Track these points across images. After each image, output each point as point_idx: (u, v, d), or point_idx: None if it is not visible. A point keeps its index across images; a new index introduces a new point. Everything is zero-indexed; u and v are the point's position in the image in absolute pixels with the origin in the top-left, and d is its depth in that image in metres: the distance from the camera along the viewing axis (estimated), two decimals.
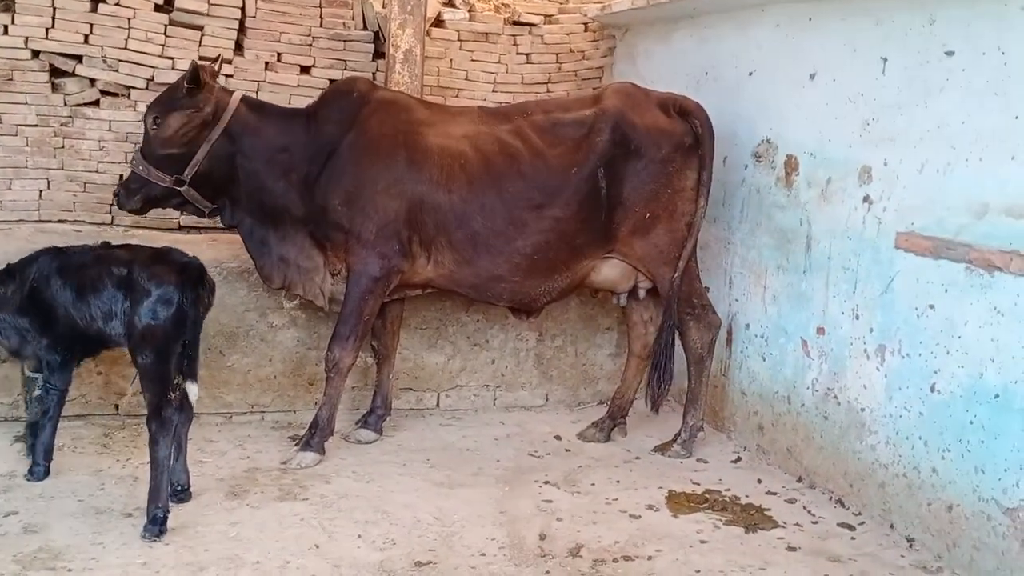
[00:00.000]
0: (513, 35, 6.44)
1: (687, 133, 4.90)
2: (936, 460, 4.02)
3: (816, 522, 4.37)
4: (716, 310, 5.19)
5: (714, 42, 5.62)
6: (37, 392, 4.24)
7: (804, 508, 4.52)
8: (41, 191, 5.55)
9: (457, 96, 6.34)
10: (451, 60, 6.32)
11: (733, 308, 5.40)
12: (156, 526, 3.79)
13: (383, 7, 6.02)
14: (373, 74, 5.96)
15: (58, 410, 4.26)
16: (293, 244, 4.86)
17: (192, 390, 3.96)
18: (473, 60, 6.39)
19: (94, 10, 5.46)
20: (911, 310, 4.16)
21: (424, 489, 4.48)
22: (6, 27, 5.31)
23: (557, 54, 6.59)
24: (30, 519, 3.87)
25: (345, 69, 5.99)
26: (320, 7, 5.92)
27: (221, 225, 5.18)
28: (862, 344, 4.45)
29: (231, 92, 4.81)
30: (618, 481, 4.74)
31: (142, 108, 5.55)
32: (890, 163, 4.30)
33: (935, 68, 4.06)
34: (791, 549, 4.07)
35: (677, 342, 5.07)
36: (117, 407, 5.03)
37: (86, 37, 5.47)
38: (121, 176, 5.35)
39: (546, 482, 4.67)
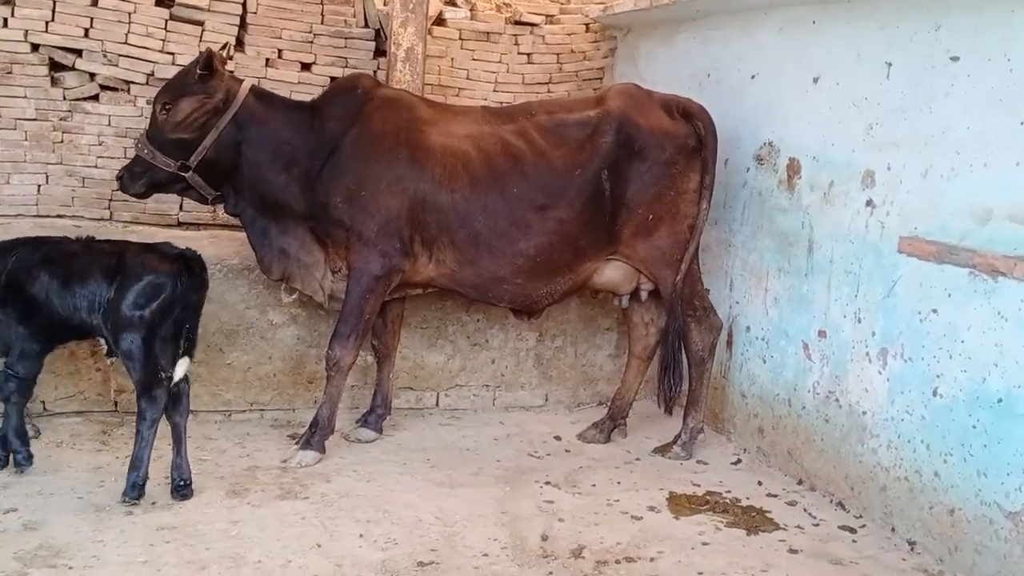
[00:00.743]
0: (514, 35, 6.43)
1: (691, 135, 4.90)
2: (938, 464, 4.03)
3: (817, 525, 4.38)
4: (717, 312, 5.20)
5: (717, 44, 5.62)
6: None
7: (805, 511, 4.53)
8: (39, 186, 5.51)
9: (458, 95, 6.33)
10: (452, 59, 6.31)
11: (734, 310, 5.41)
12: (135, 491, 3.99)
13: (385, 5, 5.99)
14: (374, 72, 5.94)
15: (21, 397, 4.23)
16: (294, 238, 4.84)
17: (183, 365, 4.09)
18: (474, 59, 6.37)
19: (94, 4, 5.42)
20: (914, 314, 4.17)
21: (425, 489, 4.47)
22: (6, 20, 5.27)
23: (558, 54, 6.59)
24: (30, 516, 3.85)
25: (346, 67, 5.97)
26: (321, 4, 5.90)
27: (221, 217, 5.18)
28: (864, 348, 4.46)
29: (241, 80, 4.79)
30: (619, 482, 4.74)
31: (142, 103, 5.56)
32: (894, 167, 4.31)
33: (940, 73, 4.07)
34: (792, 552, 4.08)
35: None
36: (116, 404, 5.00)
37: (86, 31, 5.44)
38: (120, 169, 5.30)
39: (547, 482, 4.67)
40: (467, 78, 6.39)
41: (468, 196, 4.71)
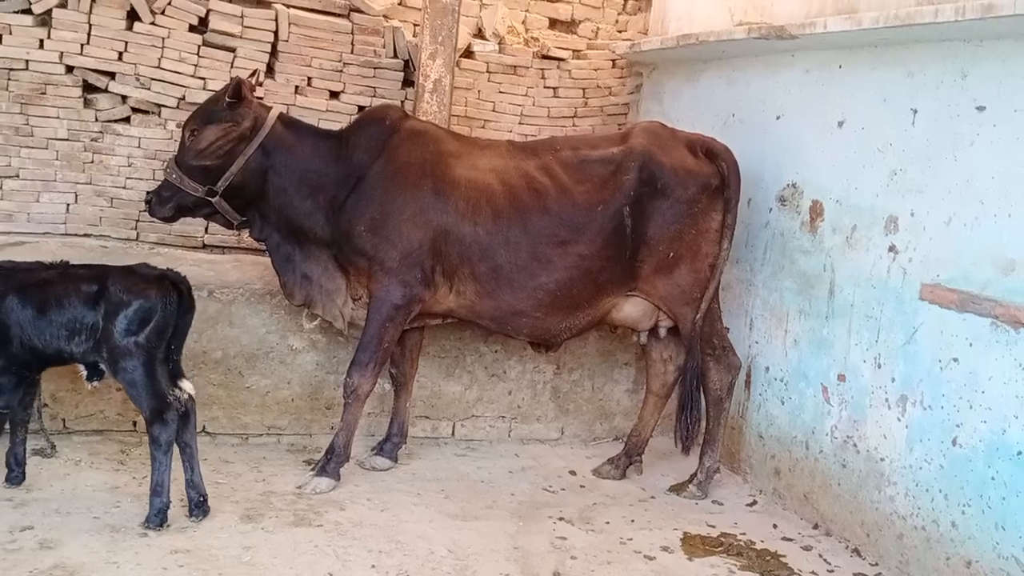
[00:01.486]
0: (541, 68, 6.49)
1: (714, 175, 4.91)
2: (956, 514, 4.00)
3: (832, 571, 4.35)
4: (736, 352, 5.19)
5: (742, 84, 5.65)
6: None
7: (820, 556, 4.49)
8: (68, 205, 5.58)
9: (483, 127, 6.38)
10: (479, 91, 6.37)
11: (753, 350, 5.40)
12: (159, 517, 3.99)
13: (414, 36, 6.08)
14: (402, 102, 6.00)
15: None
16: (317, 263, 4.89)
17: (188, 384, 4.13)
18: (501, 92, 6.43)
19: (129, 28, 5.51)
20: (934, 362, 4.15)
21: (438, 520, 4.47)
22: (42, 41, 5.37)
23: (584, 89, 6.63)
24: (45, 534, 3.87)
25: (374, 96, 6.03)
26: (352, 34, 5.97)
27: (246, 241, 5.23)
28: (883, 393, 4.44)
29: (269, 108, 4.86)
30: (633, 520, 4.72)
31: (172, 126, 5.64)
32: (917, 214, 4.30)
33: (966, 122, 4.08)
34: None
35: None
36: (135, 424, 5.02)
37: (120, 55, 5.52)
38: (147, 192, 5.37)
39: (560, 518, 4.65)
40: (493, 110, 6.44)
41: (490, 229, 4.73)
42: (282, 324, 5.23)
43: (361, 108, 5.89)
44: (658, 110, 6.44)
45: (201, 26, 5.67)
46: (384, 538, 4.20)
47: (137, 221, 5.69)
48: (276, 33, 5.82)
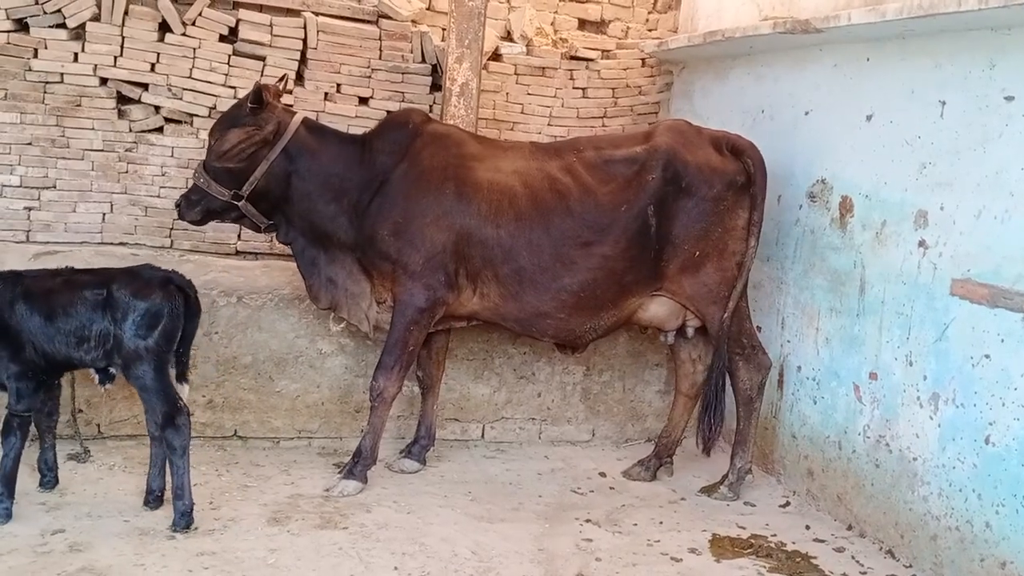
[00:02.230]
0: (570, 69, 6.46)
1: (739, 172, 4.85)
2: (990, 514, 3.90)
3: (864, 573, 4.27)
4: (768, 351, 5.12)
5: (770, 80, 5.57)
6: None
7: (853, 558, 4.41)
8: (104, 214, 5.69)
9: (512, 129, 6.37)
10: (507, 93, 6.36)
11: (785, 349, 5.32)
12: (184, 520, 4.06)
13: (441, 40, 6.09)
14: (430, 106, 6.02)
15: (21, 441, 4.05)
16: (342, 267, 4.92)
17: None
18: (529, 94, 6.42)
19: (161, 40, 5.60)
20: (966, 359, 4.06)
21: (463, 522, 4.47)
22: (76, 55, 5.48)
23: (613, 89, 6.59)
24: (76, 537, 3.95)
25: (403, 101, 6.05)
26: (380, 40, 6.00)
27: (278, 247, 5.28)
28: (915, 392, 4.34)
29: (293, 113, 4.91)
30: (661, 522, 4.68)
31: (204, 135, 5.70)
32: (947, 208, 4.21)
33: (994, 113, 3.98)
34: None
35: (727, 382, 5.00)
36: None
37: (152, 66, 5.61)
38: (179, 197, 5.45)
39: (587, 520, 4.63)
40: (522, 112, 6.43)
41: (513, 231, 4.73)
42: (311, 328, 5.28)
43: (388, 113, 5.91)
44: (688, 108, 6.38)
45: (231, 36, 5.74)
46: (408, 540, 4.21)
47: (171, 229, 5.77)
48: (305, 41, 5.87)
